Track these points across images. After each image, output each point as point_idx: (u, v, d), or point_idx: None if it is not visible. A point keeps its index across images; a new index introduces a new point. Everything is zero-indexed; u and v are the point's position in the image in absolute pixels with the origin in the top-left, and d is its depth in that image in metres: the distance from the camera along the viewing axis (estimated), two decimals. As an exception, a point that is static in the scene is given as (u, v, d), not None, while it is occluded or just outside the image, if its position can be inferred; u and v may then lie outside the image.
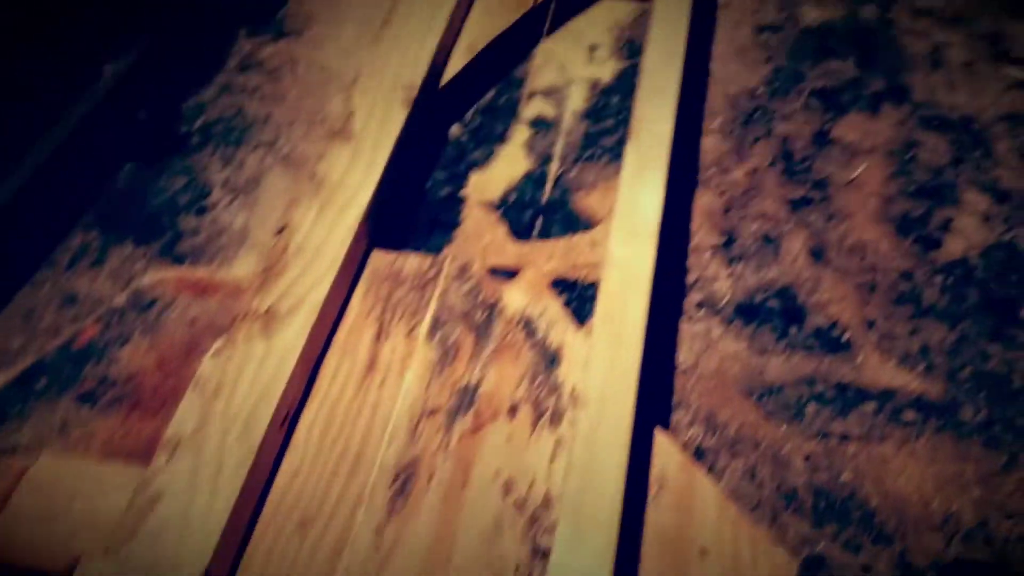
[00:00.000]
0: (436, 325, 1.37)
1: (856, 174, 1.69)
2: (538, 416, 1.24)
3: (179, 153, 1.78)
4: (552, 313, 1.38)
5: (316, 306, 1.32)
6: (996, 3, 2.02)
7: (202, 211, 1.68)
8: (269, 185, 1.72)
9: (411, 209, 1.65)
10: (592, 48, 1.98)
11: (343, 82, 1.90)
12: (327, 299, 1.34)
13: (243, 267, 1.59)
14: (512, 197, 1.68)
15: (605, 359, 1.21)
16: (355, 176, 1.50)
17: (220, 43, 1.99)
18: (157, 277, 1.58)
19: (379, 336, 1.35)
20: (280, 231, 1.44)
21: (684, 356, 1.44)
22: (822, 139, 1.76)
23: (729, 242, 1.59)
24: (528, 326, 1.36)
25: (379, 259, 1.46)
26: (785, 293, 1.51)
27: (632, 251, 1.34)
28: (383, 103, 1.62)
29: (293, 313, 1.31)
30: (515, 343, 1.33)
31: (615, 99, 1.86)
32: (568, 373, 1.29)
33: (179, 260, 1.60)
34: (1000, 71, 1.87)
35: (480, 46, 1.84)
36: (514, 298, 1.40)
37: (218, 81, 1.93)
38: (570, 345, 1.32)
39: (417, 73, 1.67)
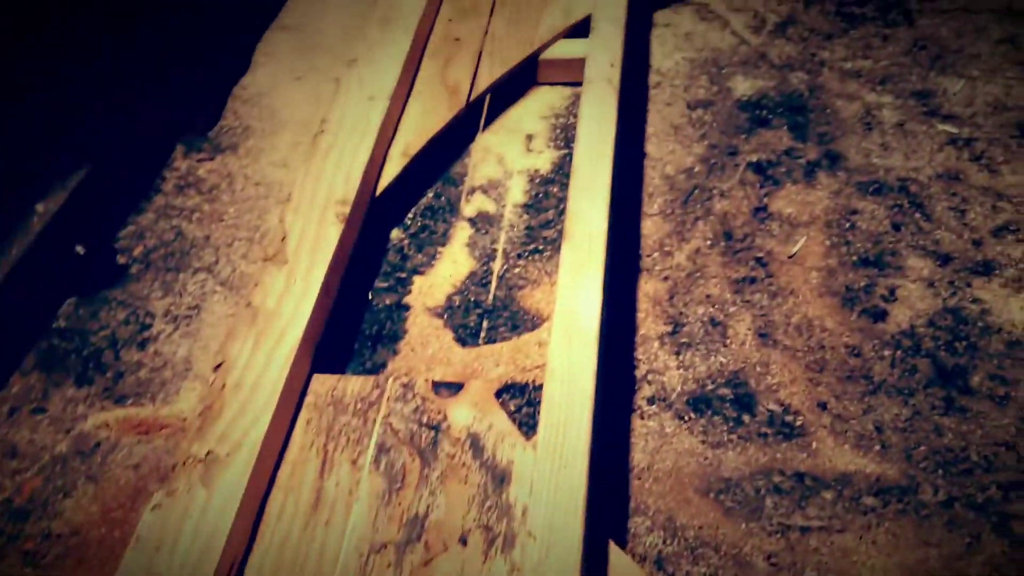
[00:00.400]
0: (381, 452, 1.34)
1: (796, 248, 1.68)
2: (490, 542, 1.21)
3: (119, 284, 1.76)
4: (500, 427, 1.36)
5: (256, 446, 1.29)
6: (922, 60, 2.04)
7: (144, 344, 1.66)
8: (210, 311, 1.70)
9: (354, 323, 1.63)
10: (529, 138, 1.98)
11: (280, 196, 1.89)
12: (267, 437, 1.31)
13: (187, 400, 1.57)
14: (457, 300, 1.67)
15: (550, 481, 1.19)
16: (289, 304, 1.48)
17: (156, 164, 1.98)
18: (100, 420, 1.55)
19: (323, 469, 1.32)
20: (217, 367, 1.41)
21: (639, 457, 1.41)
22: (761, 214, 1.76)
23: (676, 330, 1.58)
24: (475, 444, 1.33)
25: (320, 385, 1.44)
26: (735, 380, 1.50)
27: (573, 358, 1.32)
28: (316, 222, 1.60)
29: (233, 456, 1.28)
30: (462, 464, 1.31)
31: (554, 189, 1.86)
32: (518, 491, 1.26)
33: (122, 399, 1.57)
34: (932, 128, 1.88)
35: (416, 148, 1.83)
36: (460, 414, 1.38)
37: (156, 204, 1.91)
38: (519, 461, 1.30)
39: (350, 187, 1.66)
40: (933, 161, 1.82)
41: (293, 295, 1.50)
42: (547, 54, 2.04)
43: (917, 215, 1.72)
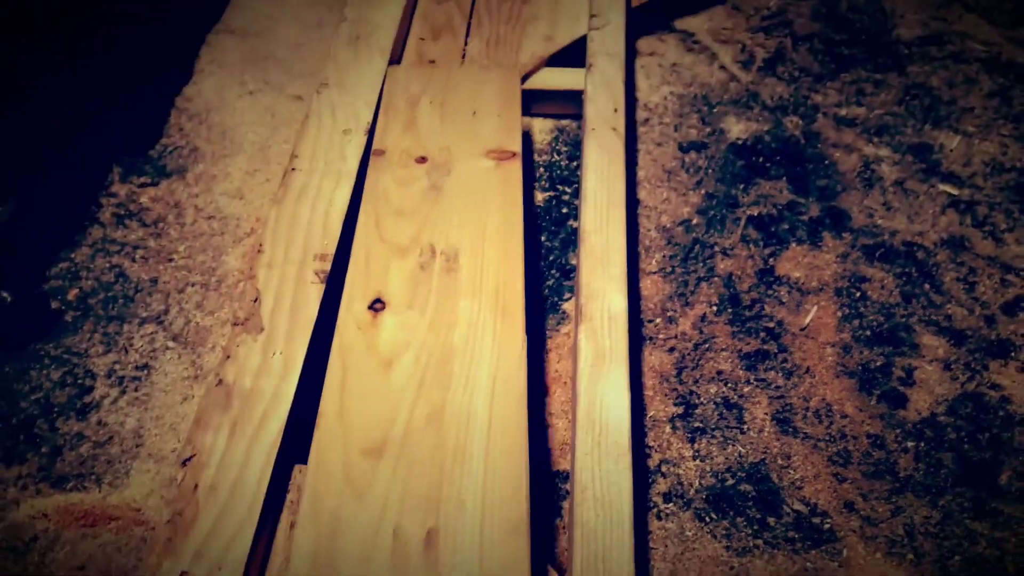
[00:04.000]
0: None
1: (808, 320, 1.58)
2: None
3: (53, 336, 1.52)
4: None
5: (239, 566, 1.11)
6: (916, 111, 1.97)
7: (85, 411, 1.44)
8: (162, 372, 1.49)
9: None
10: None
11: (237, 234, 1.68)
12: (252, 552, 1.13)
13: (140, 484, 1.36)
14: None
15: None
16: (268, 382, 1.29)
17: (89, 188, 1.73)
18: (36, 508, 1.33)
19: (318, 594, 1.15)
20: (186, 462, 1.21)
21: (660, 566, 1.29)
22: (767, 277, 1.65)
23: (688, 412, 1.46)
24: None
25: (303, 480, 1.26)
26: (757, 473, 1.39)
27: (604, 470, 1.18)
28: (294, 282, 1.41)
29: (213, 581, 1.09)
30: None
31: (541, 238, 1.70)
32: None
33: (61, 482, 1.35)
34: (933, 189, 1.81)
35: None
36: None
37: (92, 237, 1.67)
38: (541, 583, 1.15)
39: (329, 239, 1.47)
40: (937, 225, 1.74)
41: (272, 371, 1.31)
42: (531, 83, 1.87)
43: (926, 285, 1.64)
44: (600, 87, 1.69)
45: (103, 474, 1.37)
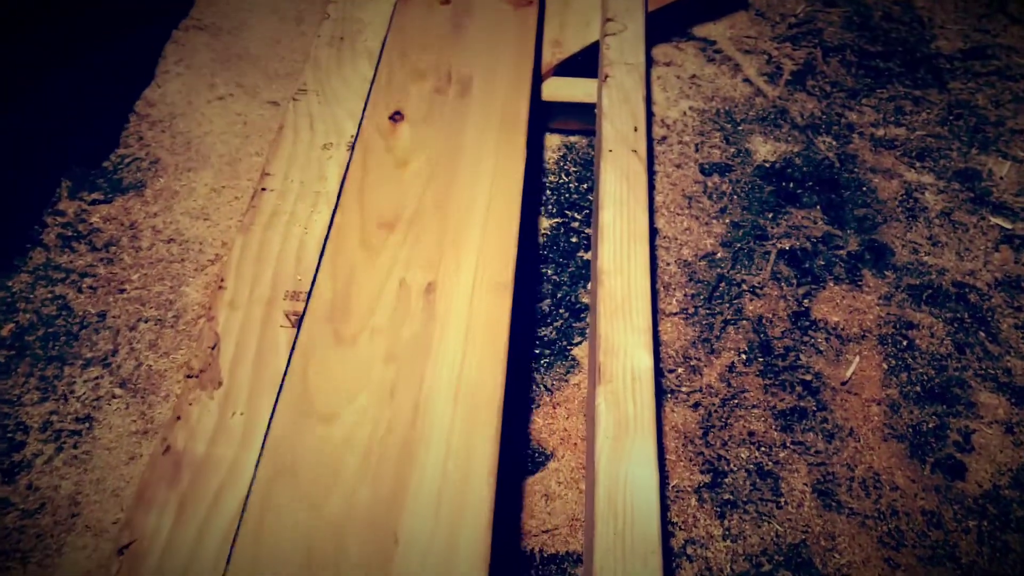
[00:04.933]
0: None
1: (850, 372, 1.39)
2: None
3: (-24, 379, 1.31)
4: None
5: None
6: (960, 133, 1.78)
7: (14, 472, 1.23)
8: (107, 426, 1.28)
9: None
10: (513, 199, 1.62)
11: (199, 261, 1.47)
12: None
13: (74, 565, 1.15)
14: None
15: None
16: (227, 448, 1.08)
17: (32, 206, 1.52)
18: (-55, 593, 1.12)
19: None
20: (123, 549, 1.00)
21: (688, 673, 1.09)
22: (802, 321, 1.45)
23: (717, 481, 1.26)
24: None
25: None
26: (797, 557, 1.19)
27: (630, 571, 0.98)
28: (259, 324, 1.20)
29: None
30: None
31: (548, 271, 1.50)
32: None
33: (-22, 560, 1.14)
34: (984, 221, 1.62)
35: (379, 211, 1.45)
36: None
37: (32, 263, 1.46)
38: None
39: (303, 273, 1.26)
40: (989, 263, 1.55)
41: (231, 436, 1.10)
42: (542, 95, 1.67)
43: (981, 333, 1.45)
44: (618, 102, 1.49)
45: (30, 551, 1.16)
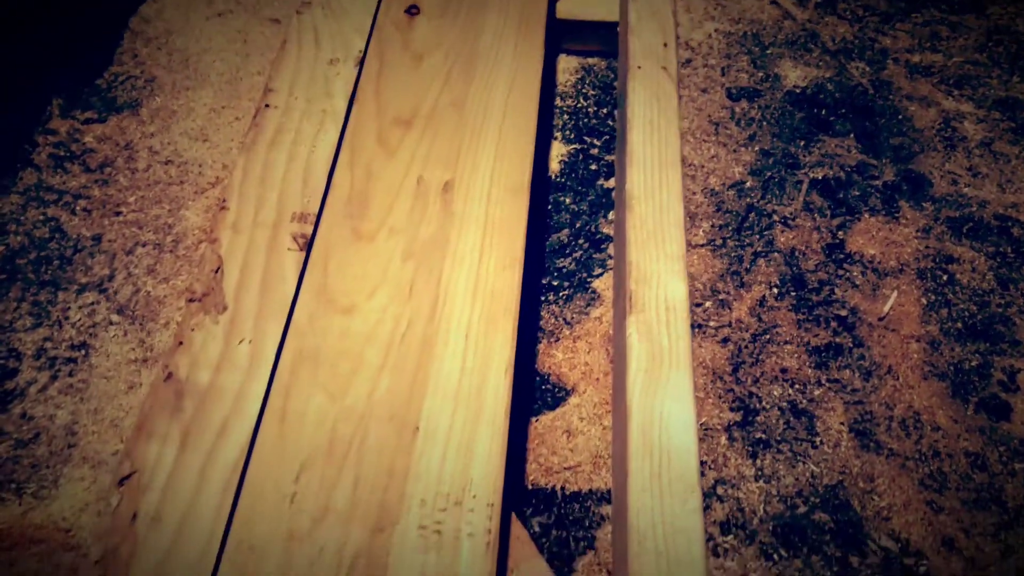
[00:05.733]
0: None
1: (888, 307, 1.31)
2: None
3: (-39, 305, 1.23)
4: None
5: (188, 629, 0.84)
6: (1001, 60, 1.68)
7: (7, 400, 1.15)
8: (104, 354, 1.20)
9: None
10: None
11: (199, 183, 1.38)
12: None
13: (72, 497, 1.08)
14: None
15: None
16: (233, 376, 1.01)
17: (22, 124, 1.42)
18: (-68, 527, 1.05)
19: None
20: (123, 480, 0.93)
21: (721, 619, 1.03)
22: (836, 254, 1.37)
23: (748, 419, 1.19)
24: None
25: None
26: (834, 499, 1.13)
27: (667, 514, 0.91)
28: (265, 249, 1.12)
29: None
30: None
31: (566, 200, 1.42)
32: None
33: (-33, 495, 1.07)
34: (1025, 152, 1.53)
35: (389, 133, 1.36)
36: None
37: (23, 183, 1.37)
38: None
39: (311, 195, 1.17)
40: (1032, 195, 1.47)
41: (237, 364, 1.02)
42: (557, 13, 1.57)
43: (1025, 269, 1.38)
44: (646, 16, 1.39)
45: (25, 482, 1.09)
